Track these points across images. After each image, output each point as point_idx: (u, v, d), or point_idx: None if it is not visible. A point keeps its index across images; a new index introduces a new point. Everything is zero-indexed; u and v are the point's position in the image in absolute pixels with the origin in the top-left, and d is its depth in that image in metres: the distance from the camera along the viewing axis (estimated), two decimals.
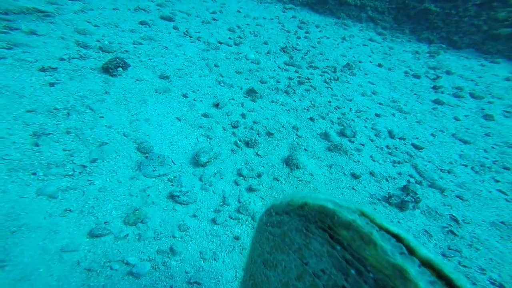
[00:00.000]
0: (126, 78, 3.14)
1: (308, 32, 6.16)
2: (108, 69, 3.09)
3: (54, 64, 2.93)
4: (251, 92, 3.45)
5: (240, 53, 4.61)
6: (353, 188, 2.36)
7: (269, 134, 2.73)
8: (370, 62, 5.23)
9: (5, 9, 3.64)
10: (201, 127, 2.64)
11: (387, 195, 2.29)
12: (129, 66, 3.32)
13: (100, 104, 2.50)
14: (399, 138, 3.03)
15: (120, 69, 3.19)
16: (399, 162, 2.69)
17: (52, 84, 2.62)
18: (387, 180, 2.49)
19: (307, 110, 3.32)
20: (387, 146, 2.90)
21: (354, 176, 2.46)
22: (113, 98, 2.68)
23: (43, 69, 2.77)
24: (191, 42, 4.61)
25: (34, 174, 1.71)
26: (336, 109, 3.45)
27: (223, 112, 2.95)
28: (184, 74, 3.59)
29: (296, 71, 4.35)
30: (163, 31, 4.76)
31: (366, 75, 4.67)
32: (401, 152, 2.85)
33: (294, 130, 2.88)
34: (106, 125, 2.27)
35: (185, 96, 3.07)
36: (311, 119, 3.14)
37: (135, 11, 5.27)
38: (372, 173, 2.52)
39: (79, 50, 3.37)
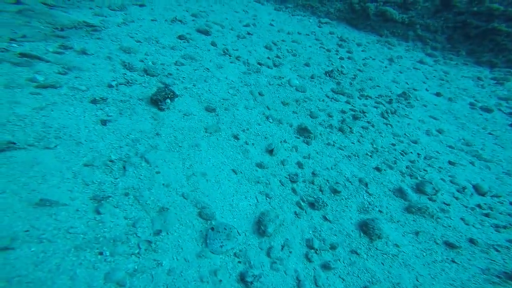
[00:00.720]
0: (174, 112, 3.04)
1: (350, 52, 5.89)
2: (157, 101, 3.00)
3: (103, 93, 2.91)
4: (303, 132, 3.25)
5: (282, 77, 4.43)
6: (453, 261, 2.08)
7: (335, 191, 2.51)
8: (427, 90, 4.88)
9: (61, 24, 3.69)
10: (258, 182, 2.46)
11: (510, 272, 1.99)
12: (177, 96, 3.23)
13: (154, 154, 2.39)
14: (491, 196, 2.71)
15: (168, 100, 3.10)
16: (504, 227, 2.39)
17: (104, 123, 2.56)
18: (497, 250, 2.19)
19: (370, 156, 3.07)
20: (479, 206, 2.60)
21: (450, 245, 2.18)
22: (165, 142, 2.57)
23: (94, 101, 2.75)
24: (231, 63, 4.50)
25: (100, 253, 1.60)
26: (403, 155, 3.18)
27: (277, 161, 2.76)
28: (230, 105, 3.46)
29: (347, 102, 4.11)
30: (202, 47, 4.69)
31: (425, 107, 4.34)
32: (501, 213, 2.54)
33: (363, 186, 2.64)
34: (163, 184, 2.15)
35: (236, 137, 2.92)
36: (377, 169, 2.89)
37: (172, 23, 5.26)
38: (472, 241, 2.24)
39: (125, 74, 3.35)
